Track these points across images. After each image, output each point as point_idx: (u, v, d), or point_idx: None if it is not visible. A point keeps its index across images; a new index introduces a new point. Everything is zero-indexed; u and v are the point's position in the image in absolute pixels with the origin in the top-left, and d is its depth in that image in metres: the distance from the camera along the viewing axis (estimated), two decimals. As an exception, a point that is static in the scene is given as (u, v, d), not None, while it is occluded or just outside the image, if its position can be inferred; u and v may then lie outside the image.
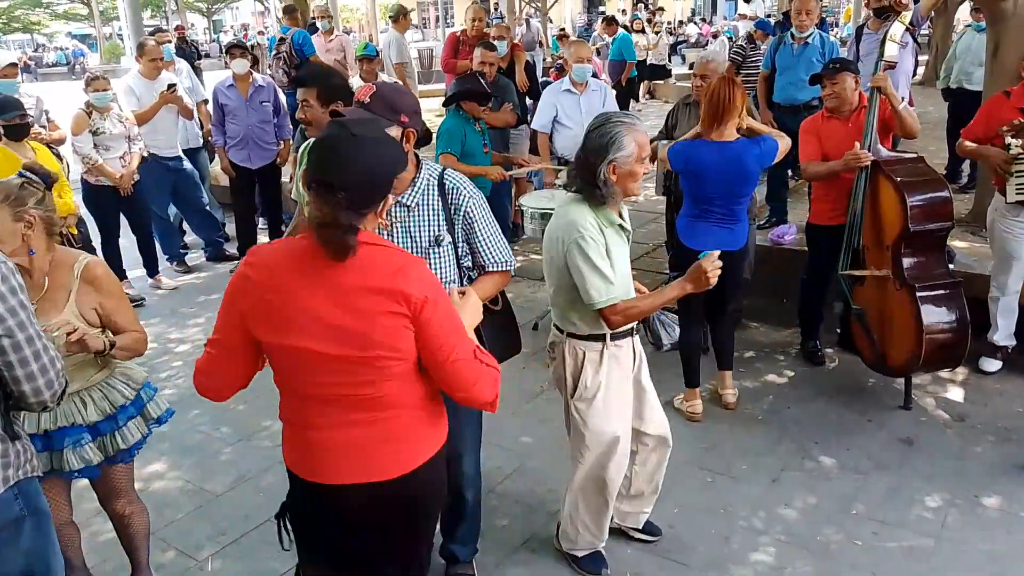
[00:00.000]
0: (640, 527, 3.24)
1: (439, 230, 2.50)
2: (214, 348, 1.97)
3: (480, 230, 2.57)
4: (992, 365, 4.45)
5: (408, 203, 2.49)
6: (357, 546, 2.06)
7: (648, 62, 14.87)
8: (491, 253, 2.60)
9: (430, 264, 2.51)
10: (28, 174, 2.47)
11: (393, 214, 2.49)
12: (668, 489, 3.55)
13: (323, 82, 3.03)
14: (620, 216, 2.79)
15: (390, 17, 10.17)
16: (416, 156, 2.52)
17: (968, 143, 4.34)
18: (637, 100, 14.11)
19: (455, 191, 2.53)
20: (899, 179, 3.89)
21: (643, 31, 14.67)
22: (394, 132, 2.34)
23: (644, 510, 3.22)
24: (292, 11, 9.75)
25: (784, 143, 3.98)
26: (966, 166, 7.33)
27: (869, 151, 3.98)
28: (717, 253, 2.68)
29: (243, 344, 1.92)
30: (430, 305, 1.81)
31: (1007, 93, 4.26)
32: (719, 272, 2.69)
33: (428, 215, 2.50)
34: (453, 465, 2.85)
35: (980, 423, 3.98)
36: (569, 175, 2.79)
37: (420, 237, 2.50)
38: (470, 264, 2.63)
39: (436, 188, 2.51)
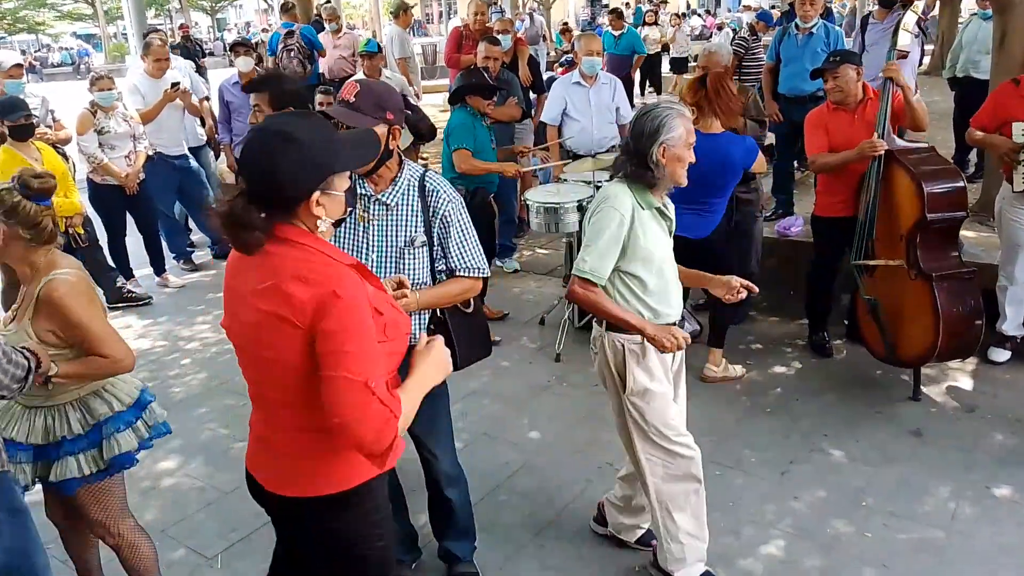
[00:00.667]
0: (635, 540, 3.15)
1: (415, 231, 2.52)
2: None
3: (455, 234, 2.56)
4: (1001, 355, 4.43)
5: (388, 201, 2.51)
6: (295, 553, 2.09)
7: (672, 55, 14.83)
8: (463, 258, 2.58)
9: (403, 265, 2.52)
10: (12, 183, 2.42)
11: (371, 211, 2.50)
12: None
13: (275, 88, 3.03)
14: (663, 202, 2.74)
15: (391, 13, 10.17)
16: (399, 155, 2.54)
17: (976, 132, 4.32)
18: (642, 94, 14.07)
19: (435, 193, 2.54)
20: (915, 168, 3.87)
21: (656, 23, 14.58)
22: (380, 130, 2.35)
23: (642, 524, 3.12)
24: (289, 8, 9.77)
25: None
26: (973, 155, 7.29)
27: (883, 140, 3.96)
28: (686, 333, 2.65)
29: None
30: (321, 310, 1.68)
31: (1016, 81, 4.23)
32: (682, 345, 2.61)
33: (407, 215, 2.51)
34: (431, 468, 2.87)
35: (990, 414, 3.96)
36: (616, 164, 2.75)
37: (395, 236, 2.52)
38: (443, 267, 2.62)
39: (417, 189, 2.53)
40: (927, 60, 12.82)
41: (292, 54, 8.79)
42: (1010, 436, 3.77)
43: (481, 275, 2.63)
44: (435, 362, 1.94)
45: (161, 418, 2.74)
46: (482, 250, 2.67)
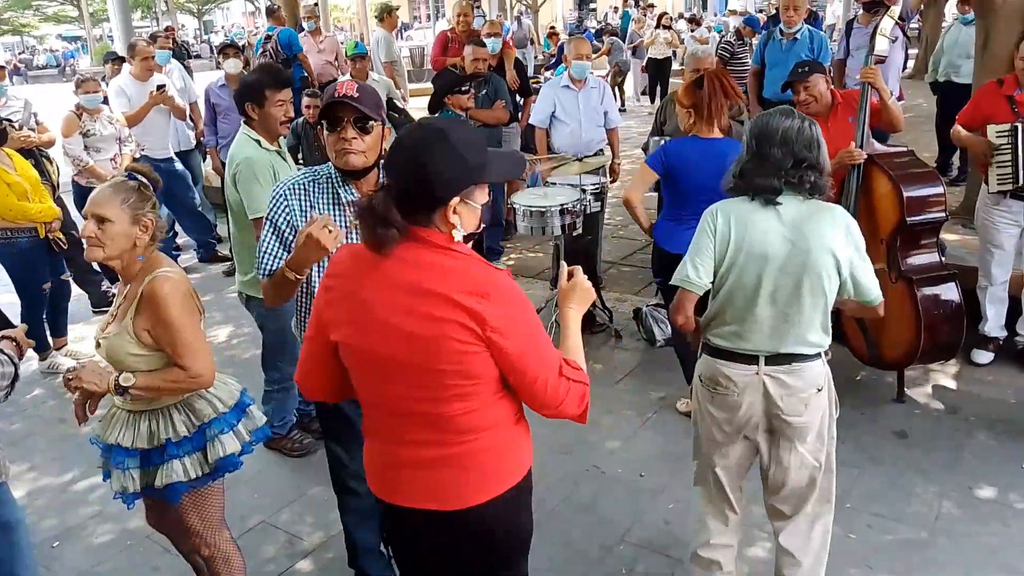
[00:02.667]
0: None
1: None
2: (305, 345, 1.97)
3: None
4: (984, 357, 4.47)
5: None
6: (435, 573, 1.99)
7: (649, 57, 14.77)
8: None
9: None
10: (139, 177, 2.39)
11: (350, 215, 2.44)
12: (664, 485, 3.57)
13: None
14: None
15: (377, 16, 10.18)
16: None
17: (961, 130, 4.35)
18: (651, 101, 14.09)
19: None
20: (894, 172, 3.89)
21: (668, 27, 14.58)
22: (377, 128, 2.35)
23: None
24: (275, 11, 9.77)
25: None
26: (956, 159, 7.36)
27: (862, 147, 3.98)
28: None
29: (326, 346, 1.88)
30: (506, 326, 1.70)
31: (1000, 82, 4.27)
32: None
33: None
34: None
35: (973, 415, 4.00)
36: (798, 181, 2.41)
37: None
38: None
39: None
40: (911, 64, 12.94)
41: (266, 58, 8.76)
42: (993, 437, 3.81)
43: None
44: (581, 296, 2.03)
45: (261, 421, 2.67)
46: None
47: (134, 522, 3.51)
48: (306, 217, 2.43)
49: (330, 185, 2.47)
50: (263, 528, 3.46)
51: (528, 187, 5.66)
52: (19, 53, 41.10)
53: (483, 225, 5.17)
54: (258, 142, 3.48)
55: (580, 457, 3.80)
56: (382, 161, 2.39)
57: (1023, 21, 5.31)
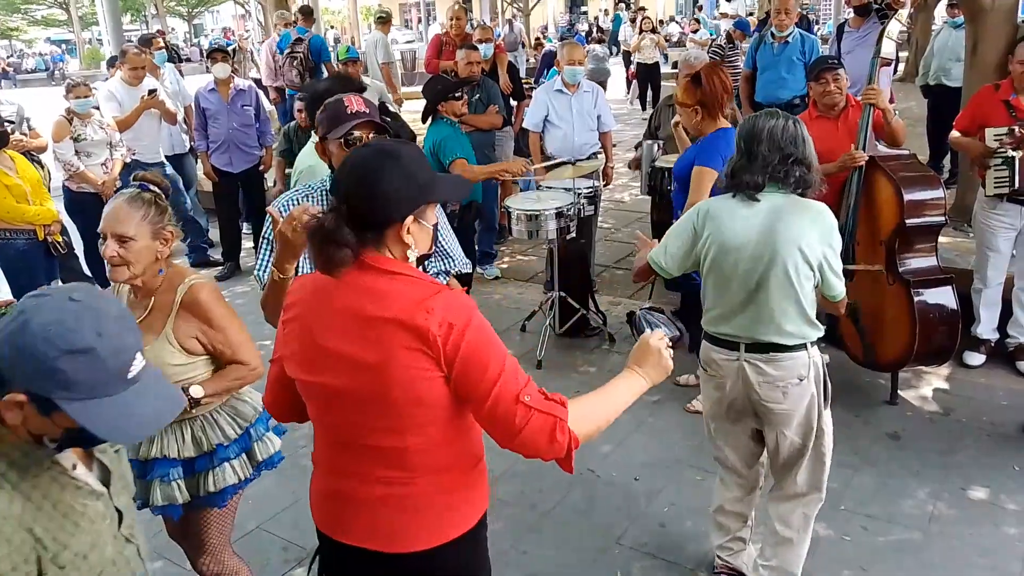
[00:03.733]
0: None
1: None
2: (271, 368, 1.90)
3: (447, 234, 2.64)
4: (976, 359, 4.49)
5: None
6: None
7: (638, 61, 14.76)
8: (459, 255, 2.73)
9: None
10: (151, 187, 2.31)
11: None
12: (659, 488, 3.57)
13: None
14: None
15: (378, 19, 10.15)
16: None
17: (959, 135, 4.38)
18: (643, 108, 14.13)
19: None
20: (896, 175, 3.91)
21: (654, 31, 14.58)
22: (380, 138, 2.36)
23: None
24: (309, 13, 9.58)
25: None
26: (947, 161, 7.40)
27: (864, 151, 4.00)
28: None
29: (283, 373, 1.84)
30: (454, 342, 1.60)
31: (996, 86, 4.30)
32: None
33: None
34: None
35: (965, 417, 4.02)
36: (747, 178, 2.56)
37: None
38: (436, 270, 2.67)
39: None
40: (901, 67, 13.01)
41: (295, 62, 8.72)
42: (986, 439, 3.82)
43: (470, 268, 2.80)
44: (655, 366, 1.87)
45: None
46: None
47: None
48: None
49: (325, 198, 2.48)
50: (257, 534, 3.45)
51: (522, 191, 5.67)
52: (8, 57, 40.90)
53: (478, 227, 5.10)
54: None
55: (574, 461, 3.79)
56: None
57: (1012, 25, 5.35)
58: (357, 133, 2.30)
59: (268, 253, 2.48)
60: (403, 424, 1.66)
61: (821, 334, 2.65)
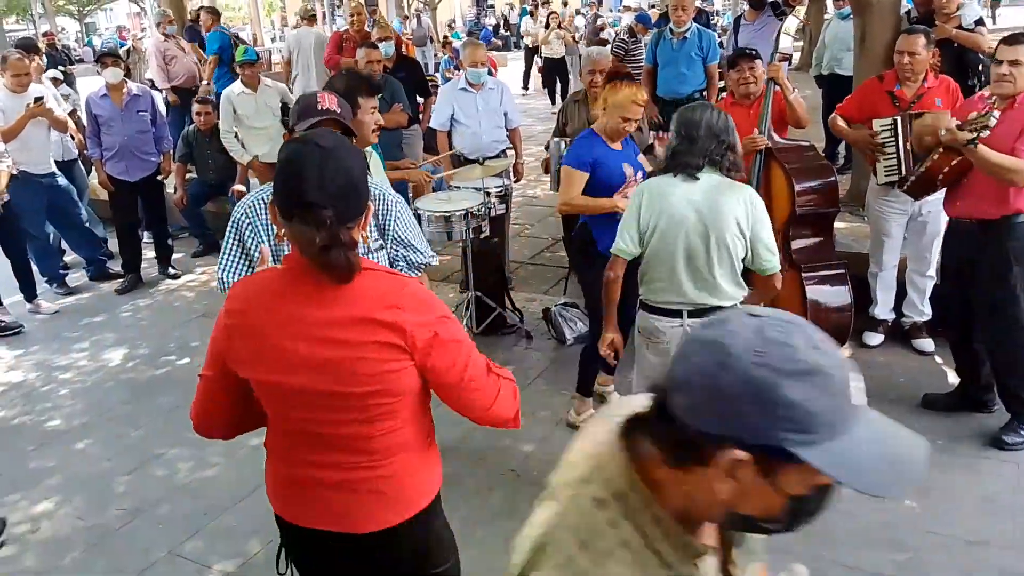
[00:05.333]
0: None
1: (371, 238, 2.47)
2: (202, 384, 1.84)
3: (411, 228, 2.64)
4: (874, 339, 4.68)
5: None
6: None
7: (545, 55, 14.65)
8: (425, 248, 2.72)
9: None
10: None
11: None
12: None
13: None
14: None
15: (310, 16, 9.97)
16: None
17: (840, 120, 4.53)
18: (552, 102, 14.18)
19: (380, 198, 2.55)
20: (788, 165, 4.05)
21: (560, 26, 14.53)
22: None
23: None
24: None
25: None
26: (842, 148, 7.68)
27: (765, 135, 4.13)
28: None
29: (227, 383, 1.78)
30: (429, 333, 1.67)
31: (880, 77, 4.48)
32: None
33: None
34: None
35: (867, 395, 4.16)
36: (689, 159, 2.88)
37: None
38: (403, 265, 2.66)
39: None
40: (797, 56, 13.45)
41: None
42: (887, 414, 3.96)
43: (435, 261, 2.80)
44: None
45: None
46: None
47: (29, 562, 3.32)
48: (268, 230, 2.42)
49: None
50: (168, 559, 3.32)
51: (433, 190, 5.63)
52: None
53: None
54: None
55: (494, 462, 3.79)
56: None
57: (897, 16, 5.59)
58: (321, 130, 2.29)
59: (238, 259, 2.45)
60: (369, 414, 1.70)
61: (746, 293, 3.00)
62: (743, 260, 2.91)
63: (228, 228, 2.47)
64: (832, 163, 7.25)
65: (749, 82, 4.34)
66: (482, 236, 4.87)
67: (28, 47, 7.30)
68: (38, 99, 5.89)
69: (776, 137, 4.23)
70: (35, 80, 6.45)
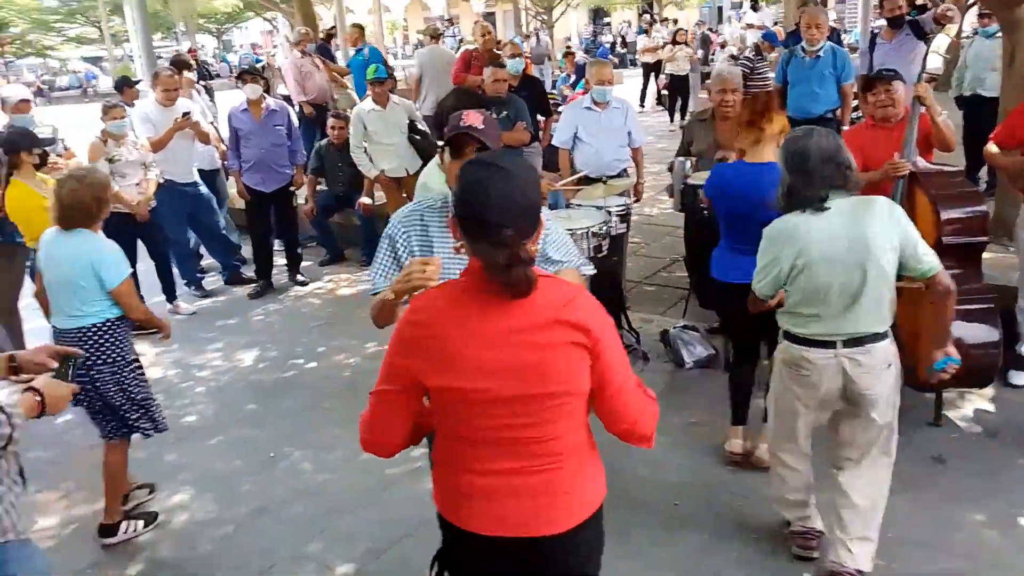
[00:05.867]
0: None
1: None
2: (382, 399, 1.88)
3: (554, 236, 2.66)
4: (1021, 378, 4.38)
5: None
6: None
7: (668, 72, 14.50)
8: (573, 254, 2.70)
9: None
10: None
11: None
12: (696, 514, 3.50)
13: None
14: None
15: (436, 34, 10.28)
16: None
17: (994, 148, 4.28)
18: (671, 120, 14.11)
19: None
20: (934, 192, 3.84)
21: (686, 43, 14.51)
22: None
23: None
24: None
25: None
26: (984, 173, 7.26)
27: (909, 159, 3.93)
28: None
29: (411, 395, 1.84)
30: (605, 334, 1.78)
31: None
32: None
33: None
34: None
35: (1011, 438, 3.92)
36: (809, 193, 2.77)
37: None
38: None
39: None
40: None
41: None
42: (1032, 463, 3.72)
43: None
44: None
45: None
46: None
47: (164, 551, 3.51)
48: (423, 241, 2.52)
49: (444, 209, 2.55)
50: (290, 559, 3.43)
51: (550, 207, 5.65)
52: (41, 75, 41.70)
53: None
54: (439, 166, 3.58)
55: (610, 484, 3.73)
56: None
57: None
58: (464, 143, 2.39)
59: (390, 266, 2.56)
60: (556, 414, 1.79)
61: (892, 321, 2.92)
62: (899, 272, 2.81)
63: (382, 238, 2.59)
64: (973, 189, 6.88)
65: (887, 105, 4.14)
66: (600, 255, 4.85)
67: (179, 64, 7.80)
68: (185, 114, 6.29)
69: (921, 161, 4.02)
70: (185, 94, 6.88)
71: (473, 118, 2.39)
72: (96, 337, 3.49)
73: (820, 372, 2.89)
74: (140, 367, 3.67)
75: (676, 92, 14.02)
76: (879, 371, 2.86)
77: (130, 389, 3.56)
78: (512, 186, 1.71)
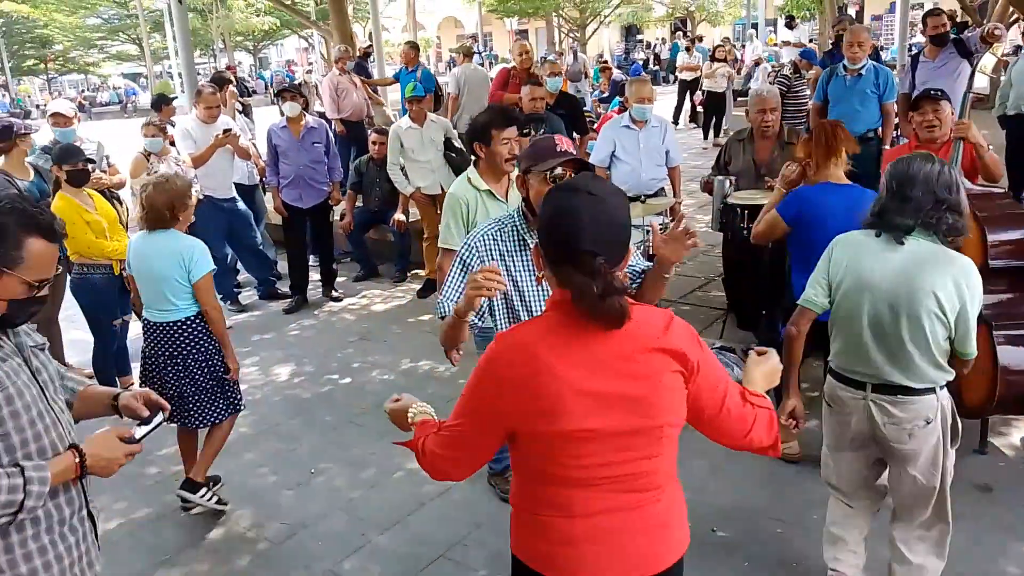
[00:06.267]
0: None
1: None
2: (457, 434, 1.79)
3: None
4: (1070, 405, 4.25)
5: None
6: None
7: (705, 89, 14.44)
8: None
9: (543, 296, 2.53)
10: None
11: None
12: (738, 542, 3.45)
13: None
14: None
15: (469, 52, 10.33)
16: None
17: None
18: (705, 137, 14.08)
19: None
20: (980, 213, 3.77)
21: (725, 60, 14.51)
22: None
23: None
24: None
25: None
26: (1028, 194, 7.12)
27: None
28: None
29: (490, 435, 1.77)
30: (701, 359, 1.72)
31: None
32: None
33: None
34: None
35: (1058, 474, 3.81)
36: (899, 221, 2.58)
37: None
38: None
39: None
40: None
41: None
42: (1085, 495, 3.61)
43: None
44: (769, 373, 1.94)
45: None
46: None
47: (200, 566, 3.52)
48: (497, 263, 2.54)
49: (515, 231, 2.59)
50: (328, 576, 3.43)
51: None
52: (82, 91, 42.67)
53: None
54: (468, 179, 3.67)
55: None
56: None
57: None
58: (560, 170, 2.43)
59: (459, 291, 2.58)
60: (660, 447, 1.73)
61: (951, 378, 2.67)
62: (947, 339, 2.59)
63: (454, 262, 2.63)
64: (1016, 210, 6.74)
65: (934, 125, 4.07)
66: (638, 274, 4.81)
67: (220, 81, 7.92)
68: (226, 130, 6.38)
69: (966, 183, 3.95)
70: (226, 111, 6.99)
71: (567, 144, 2.43)
72: (188, 330, 3.77)
73: (850, 411, 2.78)
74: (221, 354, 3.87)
75: (712, 109, 13.96)
76: (912, 427, 2.65)
77: (221, 373, 3.84)
78: (604, 212, 1.65)
